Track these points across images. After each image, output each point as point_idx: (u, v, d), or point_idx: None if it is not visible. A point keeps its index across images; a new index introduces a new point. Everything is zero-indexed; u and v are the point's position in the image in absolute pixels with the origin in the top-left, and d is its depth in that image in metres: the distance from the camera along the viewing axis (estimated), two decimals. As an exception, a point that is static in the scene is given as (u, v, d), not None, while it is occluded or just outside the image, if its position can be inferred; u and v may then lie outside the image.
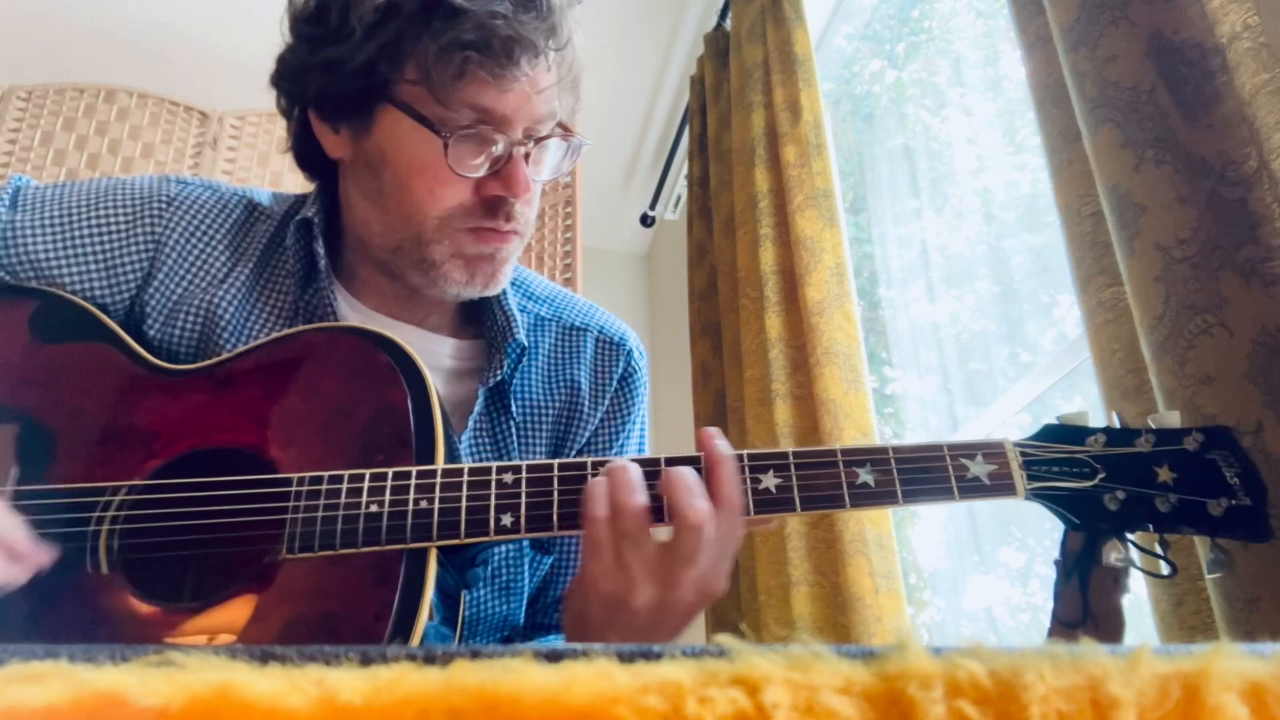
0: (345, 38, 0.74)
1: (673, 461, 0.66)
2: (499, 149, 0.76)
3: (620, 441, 0.91)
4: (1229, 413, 0.74)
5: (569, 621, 0.67)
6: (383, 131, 0.77)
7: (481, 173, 0.76)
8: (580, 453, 0.89)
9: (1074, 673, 0.26)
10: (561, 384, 0.89)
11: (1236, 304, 0.76)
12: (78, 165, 2.27)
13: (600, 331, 0.93)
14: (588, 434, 0.90)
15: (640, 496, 0.62)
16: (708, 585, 0.63)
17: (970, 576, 1.75)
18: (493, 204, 0.77)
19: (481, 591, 0.82)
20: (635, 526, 0.61)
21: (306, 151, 0.85)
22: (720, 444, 0.66)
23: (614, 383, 0.91)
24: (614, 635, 0.63)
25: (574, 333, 0.92)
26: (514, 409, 0.85)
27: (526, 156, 0.77)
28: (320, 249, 0.82)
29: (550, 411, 0.88)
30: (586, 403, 0.89)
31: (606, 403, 0.91)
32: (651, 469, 0.65)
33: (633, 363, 0.93)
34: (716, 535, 0.62)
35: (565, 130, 0.81)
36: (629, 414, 0.92)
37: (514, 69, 0.73)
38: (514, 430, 0.85)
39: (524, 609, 0.87)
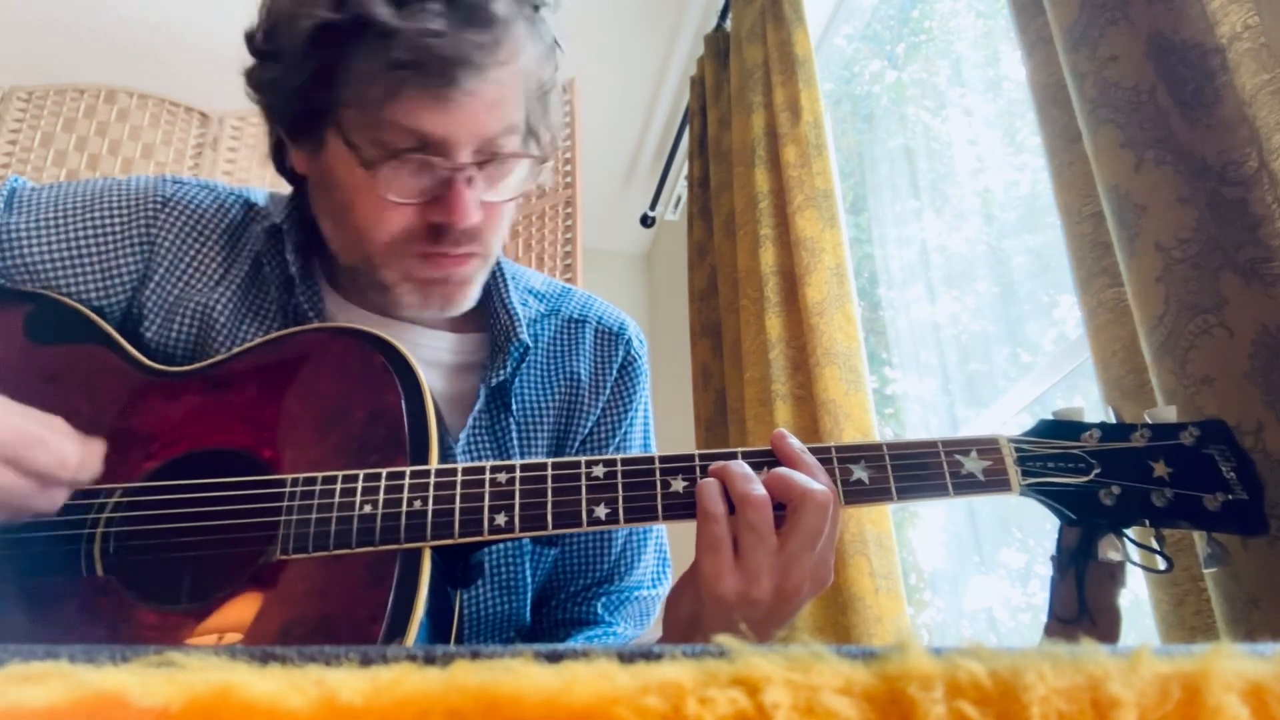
0: (286, 58, 0.72)
1: (748, 455, 0.66)
2: (437, 173, 0.72)
3: (624, 430, 0.91)
4: (1229, 413, 0.74)
5: (678, 623, 0.66)
6: (330, 153, 0.74)
7: (419, 199, 0.73)
8: (584, 443, 0.89)
9: (1074, 673, 0.26)
10: (561, 377, 0.89)
11: (1237, 304, 0.76)
12: (78, 166, 2.27)
13: (599, 322, 0.93)
14: (590, 424, 0.89)
15: (761, 488, 0.62)
16: (821, 573, 0.64)
17: (970, 577, 1.75)
18: (438, 229, 0.74)
19: (481, 590, 0.82)
20: (761, 518, 0.61)
21: (281, 163, 0.83)
22: (794, 440, 0.67)
23: (614, 372, 0.91)
24: (730, 630, 0.63)
25: (572, 324, 0.92)
26: (514, 406, 0.85)
27: (470, 180, 0.73)
28: (290, 256, 0.81)
29: (550, 406, 0.88)
30: (587, 394, 0.89)
31: (607, 392, 0.90)
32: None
33: (632, 351, 0.93)
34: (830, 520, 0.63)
35: (519, 151, 0.77)
36: (630, 402, 0.91)
37: (452, 89, 0.69)
38: (514, 427, 0.85)
39: (528, 607, 0.87)
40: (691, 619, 0.64)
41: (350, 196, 0.74)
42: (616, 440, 0.91)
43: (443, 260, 0.76)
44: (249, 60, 0.78)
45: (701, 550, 0.62)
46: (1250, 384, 0.73)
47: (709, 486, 0.63)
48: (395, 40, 0.67)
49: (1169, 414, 0.66)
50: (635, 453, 0.93)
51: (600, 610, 0.88)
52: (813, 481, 0.63)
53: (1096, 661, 0.26)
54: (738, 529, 0.62)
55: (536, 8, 0.75)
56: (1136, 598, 1.00)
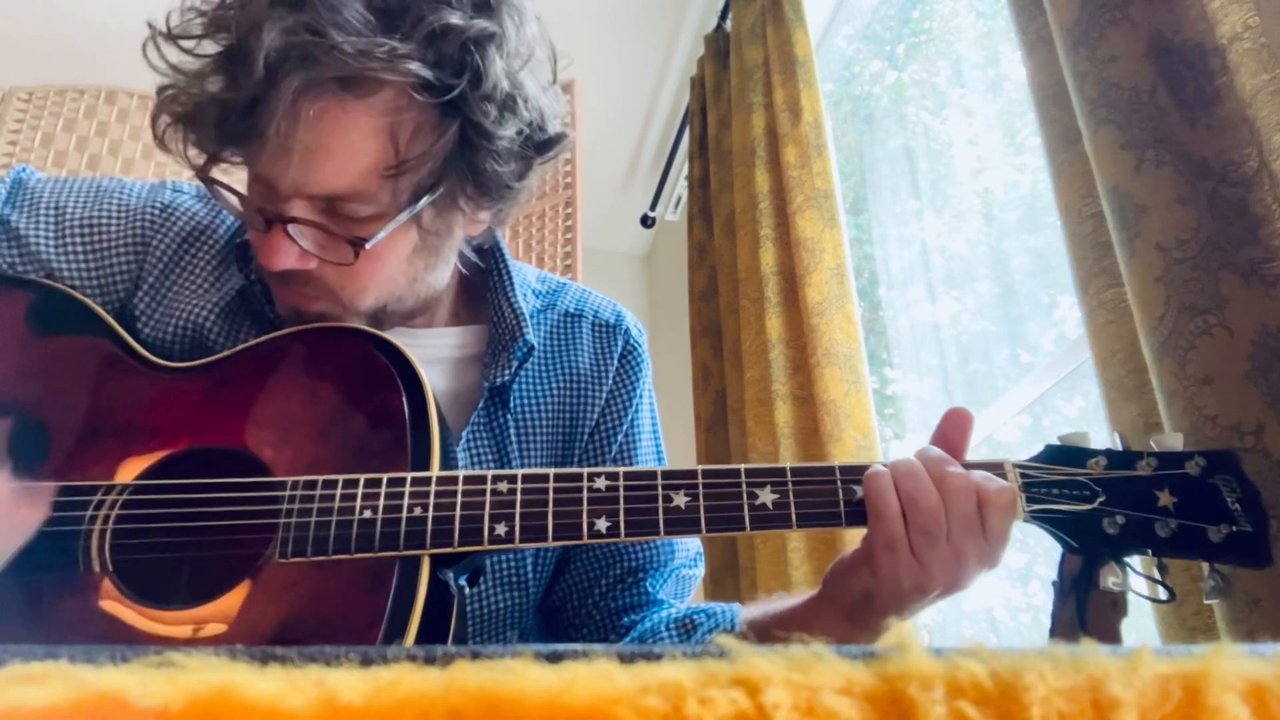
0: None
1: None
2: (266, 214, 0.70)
3: (629, 418, 0.91)
4: (1230, 414, 0.74)
5: (850, 598, 0.68)
6: None
7: (257, 229, 0.71)
8: (592, 435, 0.89)
9: (1074, 673, 0.26)
10: (560, 374, 0.89)
11: (1237, 304, 0.76)
12: (78, 166, 2.27)
13: (595, 315, 0.93)
14: (595, 417, 0.89)
15: (932, 492, 0.63)
16: (992, 556, 0.64)
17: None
18: None
19: (484, 586, 0.82)
20: (932, 522, 0.62)
21: None
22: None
23: (614, 362, 0.91)
24: (896, 612, 0.66)
25: (569, 319, 0.92)
26: (511, 403, 0.85)
27: (288, 229, 0.68)
28: (256, 274, 0.80)
29: (550, 404, 0.87)
30: (589, 387, 0.89)
31: (610, 383, 0.90)
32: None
33: (631, 340, 0.93)
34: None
35: (353, 214, 0.69)
36: (634, 391, 0.91)
37: (253, 143, 0.66)
38: (512, 424, 0.84)
39: (533, 602, 0.86)
40: (865, 597, 0.66)
41: None
42: (624, 430, 0.90)
43: (283, 291, 0.75)
44: None
45: (878, 549, 0.63)
46: (1250, 384, 0.73)
47: (884, 489, 0.63)
48: (186, 89, 0.67)
49: (1176, 441, 0.66)
50: (644, 441, 0.93)
51: (651, 589, 0.87)
52: (994, 482, 0.63)
53: (1096, 662, 0.26)
54: (909, 530, 0.62)
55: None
56: (1136, 598, 0.99)
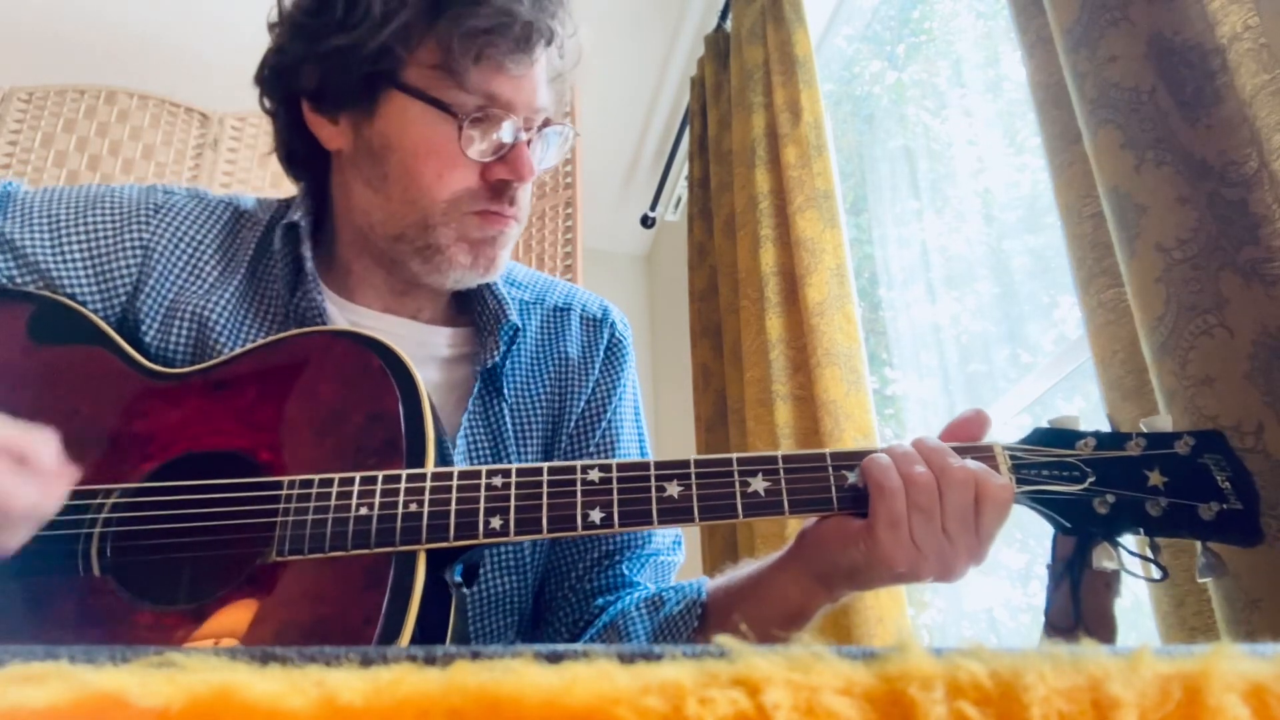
0: (355, 25, 0.75)
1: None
2: (504, 134, 0.78)
3: (613, 406, 0.93)
4: (1230, 413, 0.74)
5: (834, 566, 0.68)
6: (388, 117, 0.78)
7: (489, 157, 0.78)
8: (578, 423, 0.91)
9: (1075, 673, 0.26)
10: (551, 361, 0.91)
11: (1237, 305, 0.76)
12: (79, 167, 2.27)
13: (583, 309, 0.97)
14: (582, 404, 0.92)
15: (925, 469, 0.63)
16: (981, 550, 0.65)
17: (970, 577, 1.74)
18: (498, 188, 0.79)
19: (483, 571, 0.83)
20: (928, 499, 0.63)
21: (296, 148, 0.85)
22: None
23: (601, 353, 0.94)
24: (871, 587, 0.69)
25: (558, 313, 0.95)
26: (505, 391, 0.87)
27: (529, 142, 0.80)
28: (307, 252, 0.82)
29: (543, 391, 0.90)
30: (577, 375, 0.92)
31: (596, 373, 0.93)
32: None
33: (617, 333, 0.97)
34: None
35: (561, 120, 0.85)
36: (618, 380, 0.94)
37: (528, 56, 0.77)
38: (507, 412, 0.86)
39: (532, 587, 0.87)
40: (850, 570, 0.67)
41: (413, 156, 0.78)
42: (607, 417, 0.92)
43: (496, 219, 0.81)
44: (281, 39, 0.81)
45: (880, 526, 0.63)
46: (1250, 384, 0.73)
47: (886, 466, 0.64)
48: (482, 6, 0.74)
49: (1164, 423, 0.66)
50: (627, 430, 0.95)
51: (626, 572, 0.88)
52: (994, 477, 0.64)
53: (1097, 662, 0.26)
54: (909, 508, 0.63)
55: None
56: (1137, 599, 0.99)
